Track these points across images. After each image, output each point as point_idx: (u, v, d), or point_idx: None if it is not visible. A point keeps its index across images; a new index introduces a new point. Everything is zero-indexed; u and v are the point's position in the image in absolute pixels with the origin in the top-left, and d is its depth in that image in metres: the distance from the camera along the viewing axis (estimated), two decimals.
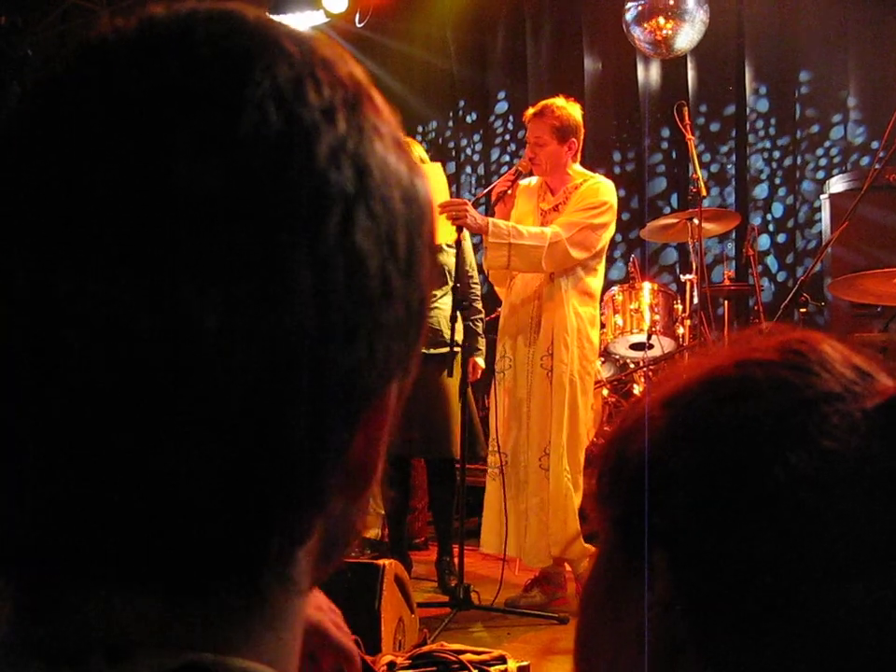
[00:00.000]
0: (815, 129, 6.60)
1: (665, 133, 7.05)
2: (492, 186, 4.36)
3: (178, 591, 0.43)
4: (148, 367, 0.40)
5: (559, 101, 4.21)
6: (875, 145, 6.00)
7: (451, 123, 8.03)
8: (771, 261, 6.67)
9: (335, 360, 0.43)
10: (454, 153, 7.99)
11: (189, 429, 0.41)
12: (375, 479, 0.49)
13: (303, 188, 0.42)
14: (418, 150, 4.52)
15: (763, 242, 6.59)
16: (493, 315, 5.00)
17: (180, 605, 0.43)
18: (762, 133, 6.85)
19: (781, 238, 6.71)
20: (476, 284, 4.64)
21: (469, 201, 4.10)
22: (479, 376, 4.65)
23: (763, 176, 6.80)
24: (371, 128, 0.46)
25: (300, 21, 6.54)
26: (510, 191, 4.23)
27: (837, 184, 5.67)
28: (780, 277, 6.64)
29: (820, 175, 6.48)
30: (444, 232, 3.99)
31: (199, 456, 0.41)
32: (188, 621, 0.43)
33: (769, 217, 6.75)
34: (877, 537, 0.52)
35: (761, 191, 6.80)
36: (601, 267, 4.24)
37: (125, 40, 0.44)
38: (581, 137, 4.23)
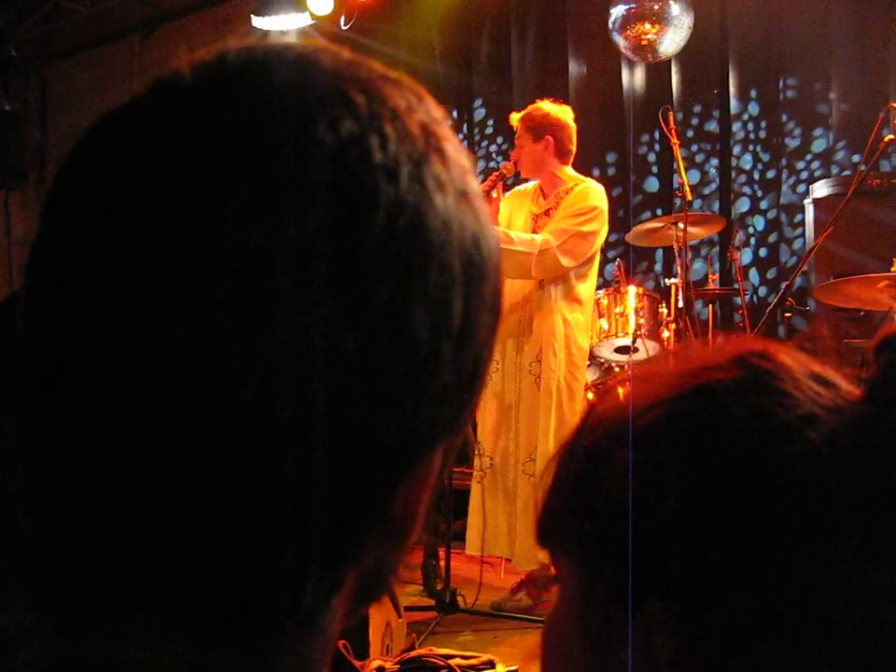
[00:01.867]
0: (797, 142, 6.61)
1: (657, 135, 7.07)
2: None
3: (207, 632, 0.43)
4: (192, 409, 0.40)
5: (541, 103, 4.23)
6: (856, 158, 6.01)
7: None
8: (753, 275, 6.66)
9: (377, 427, 0.42)
10: None
11: (226, 481, 0.41)
12: (413, 533, 0.48)
13: (355, 255, 0.40)
14: None
15: (746, 257, 6.56)
16: None
17: (208, 644, 0.44)
18: (745, 137, 6.88)
19: (763, 252, 6.71)
20: None
21: None
22: None
23: (745, 190, 6.81)
24: (435, 185, 0.44)
25: (285, 23, 6.52)
26: (494, 193, 4.23)
27: (821, 189, 5.70)
28: (762, 292, 6.59)
29: (802, 188, 6.48)
30: None
31: (233, 508, 0.41)
32: (214, 659, 0.44)
33: (751, 230, 6.75)
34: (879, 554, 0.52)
35: (742, 205, 6.81)
36: (593, 272, 4.25)
37: (198, 79, 0.43)
38: (566, 136, 4.20)
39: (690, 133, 6.98)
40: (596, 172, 7.13)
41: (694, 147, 6.98)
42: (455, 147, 0.47)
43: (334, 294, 0.40)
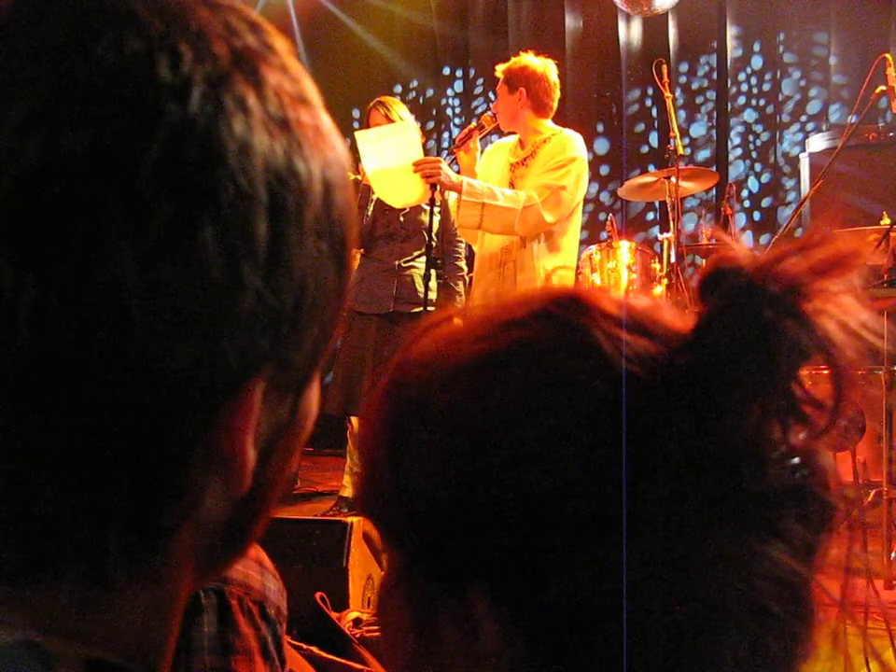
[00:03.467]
0: (794, 100, 6.56)
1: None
2: (455, 145, 4.33)
3: (15, 573, 0.43)
4: None
5: (524, 55, 4.18)
6: (853, 119, 5.95)
7: (431, 82, 7.95)
8: (748, 239, 6.63)
9: (166, 353, 0.41)
10: (434, 112, 7.93)
11: (17, 414, 0.40)
12: (246, 471, 0.46)
13: (134, 171, 0.39)
14: (397, 109, 4.50)
15: (739, 220, 6.50)
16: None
17: (21, 587, 0.43)
18: (744, 89, 6.83)
19: (757, 216, 6.66)
20: (460, 242, 4.60)
21: (444, 159, 4.07)
22: None
23: (739, 151, 6.76)
24: (236, 106, 0.42)
25: None
26: (471, 144, 4.20)
27: (817, 142, 5.66)
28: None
29: (796, 151, 6.41)
30: (419, 191, 3.97)
31: (29, 440, 0.41)
32: (29, 603, 0.43)
33: (745, 193, 6.69)
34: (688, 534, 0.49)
35: (736, 169, 6.75)
36: (575, 224, 4.20)
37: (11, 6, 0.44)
38: (540, 89, 4.11)
39: (695, 86, 6.93)
40: (601, 127, 7.10)
41: (700, 99, 6.93)
42: (284, 76, 0.45)
43: (111, 210, 0.39)
